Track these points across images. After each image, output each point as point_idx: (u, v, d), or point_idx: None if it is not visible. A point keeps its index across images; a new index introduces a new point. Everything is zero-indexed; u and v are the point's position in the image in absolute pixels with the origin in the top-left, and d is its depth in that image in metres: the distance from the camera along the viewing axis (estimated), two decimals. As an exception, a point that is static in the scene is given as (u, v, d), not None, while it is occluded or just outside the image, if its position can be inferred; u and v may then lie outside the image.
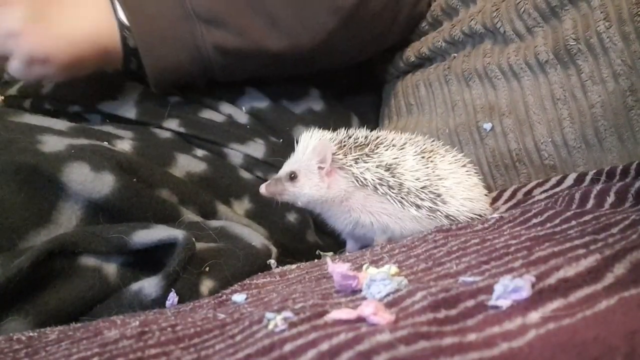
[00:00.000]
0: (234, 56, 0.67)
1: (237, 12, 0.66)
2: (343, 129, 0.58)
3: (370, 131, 0.59)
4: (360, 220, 0.56)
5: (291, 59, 0.71)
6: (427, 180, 0.54)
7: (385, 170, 0.54)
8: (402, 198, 0.53)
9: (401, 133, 0.60)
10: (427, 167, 0.55)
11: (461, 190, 0.55)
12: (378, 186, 0.53)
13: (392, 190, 0.53)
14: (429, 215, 0.54)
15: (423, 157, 0.56)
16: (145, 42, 0.63)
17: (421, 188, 0.54)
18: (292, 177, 0.56)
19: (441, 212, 0.54)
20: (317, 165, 0.55)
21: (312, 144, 0.55)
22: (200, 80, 0.70)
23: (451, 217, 0.54)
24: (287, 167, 0.57)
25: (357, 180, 0.54)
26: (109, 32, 0.63)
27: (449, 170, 0.56)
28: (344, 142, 0.55)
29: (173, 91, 0.72)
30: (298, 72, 0.76)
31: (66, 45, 0.61)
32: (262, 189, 0.57)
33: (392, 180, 0.53)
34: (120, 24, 0.63)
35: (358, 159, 0.54)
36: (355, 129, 0.58)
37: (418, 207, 0.53)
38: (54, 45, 0.60)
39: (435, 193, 0.54)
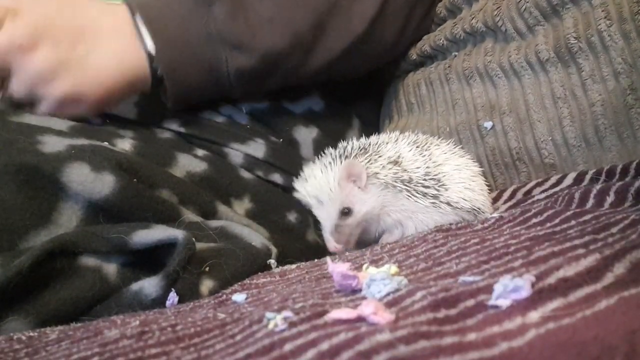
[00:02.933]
0: (253, 77, 0.69)
1: (259, 35, 0.67)
2: (340, 138, 0.58)
3: (361, 138, 0.59)
4: (386, 222, 0.57)
5: (305, 76, 0.72)
6: (426, 167, 0.55)
7: (395, 165, 0.54)
8: (413, 189, 0.54)
9: (392, 133, 0.60)
10: (424, 156, 0.56)
11: (461, 177, 0.56)
12: (395, 182, 0.54)
13: (404, 183, 0.54)
14: (433, 202, 0.54)
15: (418, 147, 0.57)
16: (169, 66, 0.64)
17: (423, 175, 0.54)
18: (347, 212, 0.55)
19: (443, 199, 0.54)
20: (355, 187, 0.55)
21: (332, 175, 0.55)
22: (217, 97, 0.72)
23: (452, 204, 0.54)
24: (330, 213, 0.55)
25: (379, 180, 0.54)
26: (137, 62, 0.64)
27: (445, 157, 0.57)
28: (349, 153, 0.56)
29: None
30: (309, 84, 0.77)
31: (98, 86, 0.62)
32: (334, 247, 0.55)
33: (405, 174, 0.54)
34: (149, 56, 0.64)
35: (370, 161, 0.55)
36: (352, 136, 0.58)
37: (424, 195, 0.54)
38: (86, 88, 0.61)
39: (435, 179, 0.54)
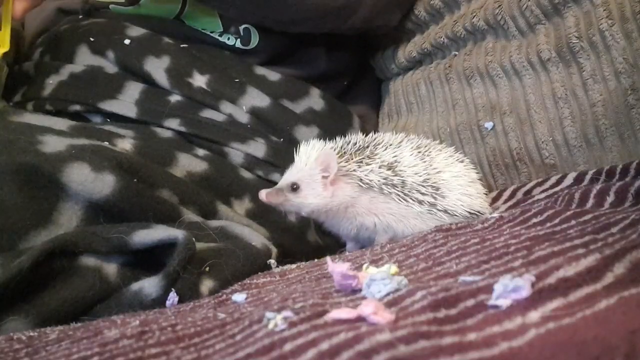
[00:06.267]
0: None
1: None
2: (341, 136, 0.58)
3: (366, 135, 0.59)
4: (365, 223, 0.57)
5: None
6: (425, 173, 0.55)
7: (387, 170, 0.54)
8: (405, 195, 0.54)
9: (396, 133, 0.60)
10: (424, 162, 0.56)
11: (459, 184, 0.56)
12: (383, 186, 0.54)
13: (396, 188, 0.54)
14: (429, 210, 0.54)
15: (420, 152, 0.57)
16: None
17: (421, 182, 0.54)
18: (295, 188, 0.56)
19: (440, 207, 0.54)
20: (320, 175, 0.55)
21: (313, 155, 0.55)
22: None
23: (449, 211, 0.54)
24: (288, 178, 0.57)
25: (362, 184, 0.54)
26: None
27: (446, 163, 0.57)
28: (345, 148, 0.56)
29: None
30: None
31: None
32: (262, 195, 0.57)
33: (396, 178, 0.54)
34: None
35: (361, 162, 0.55)
36: (353, 134, 0.58)
37: (420, 202, 0.54)
38: None
39: (434, 187, 0.54)
